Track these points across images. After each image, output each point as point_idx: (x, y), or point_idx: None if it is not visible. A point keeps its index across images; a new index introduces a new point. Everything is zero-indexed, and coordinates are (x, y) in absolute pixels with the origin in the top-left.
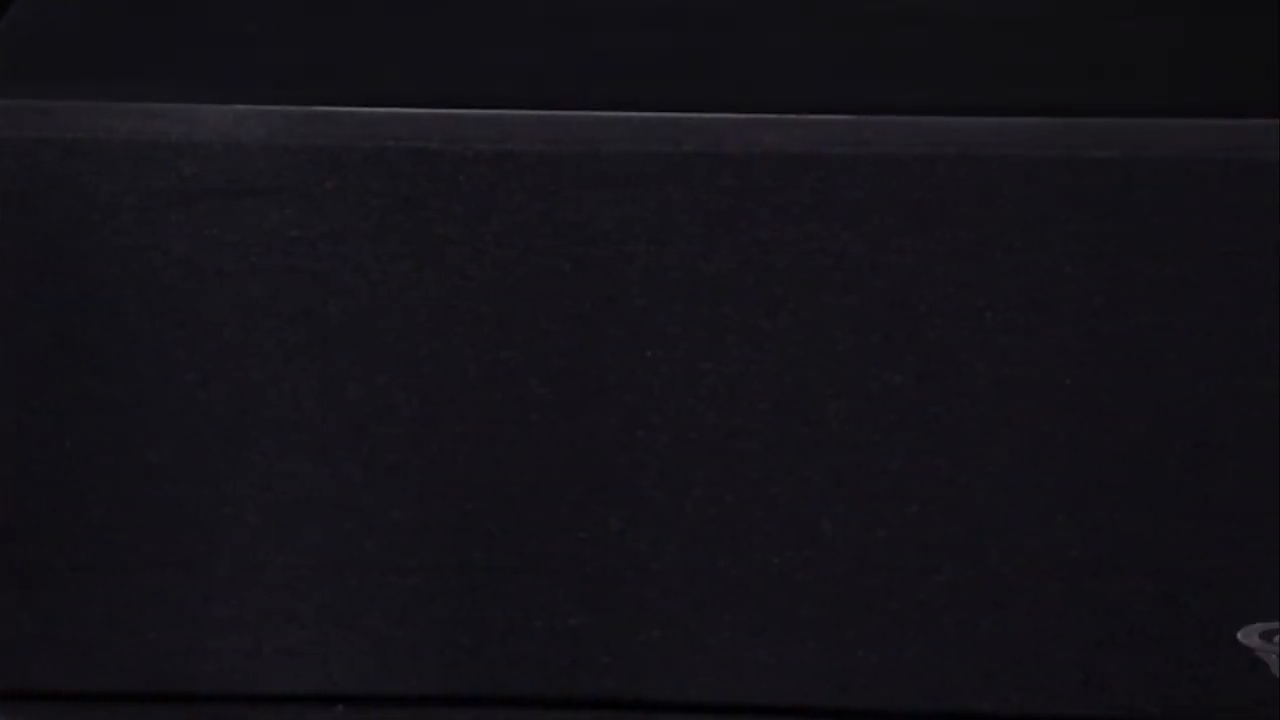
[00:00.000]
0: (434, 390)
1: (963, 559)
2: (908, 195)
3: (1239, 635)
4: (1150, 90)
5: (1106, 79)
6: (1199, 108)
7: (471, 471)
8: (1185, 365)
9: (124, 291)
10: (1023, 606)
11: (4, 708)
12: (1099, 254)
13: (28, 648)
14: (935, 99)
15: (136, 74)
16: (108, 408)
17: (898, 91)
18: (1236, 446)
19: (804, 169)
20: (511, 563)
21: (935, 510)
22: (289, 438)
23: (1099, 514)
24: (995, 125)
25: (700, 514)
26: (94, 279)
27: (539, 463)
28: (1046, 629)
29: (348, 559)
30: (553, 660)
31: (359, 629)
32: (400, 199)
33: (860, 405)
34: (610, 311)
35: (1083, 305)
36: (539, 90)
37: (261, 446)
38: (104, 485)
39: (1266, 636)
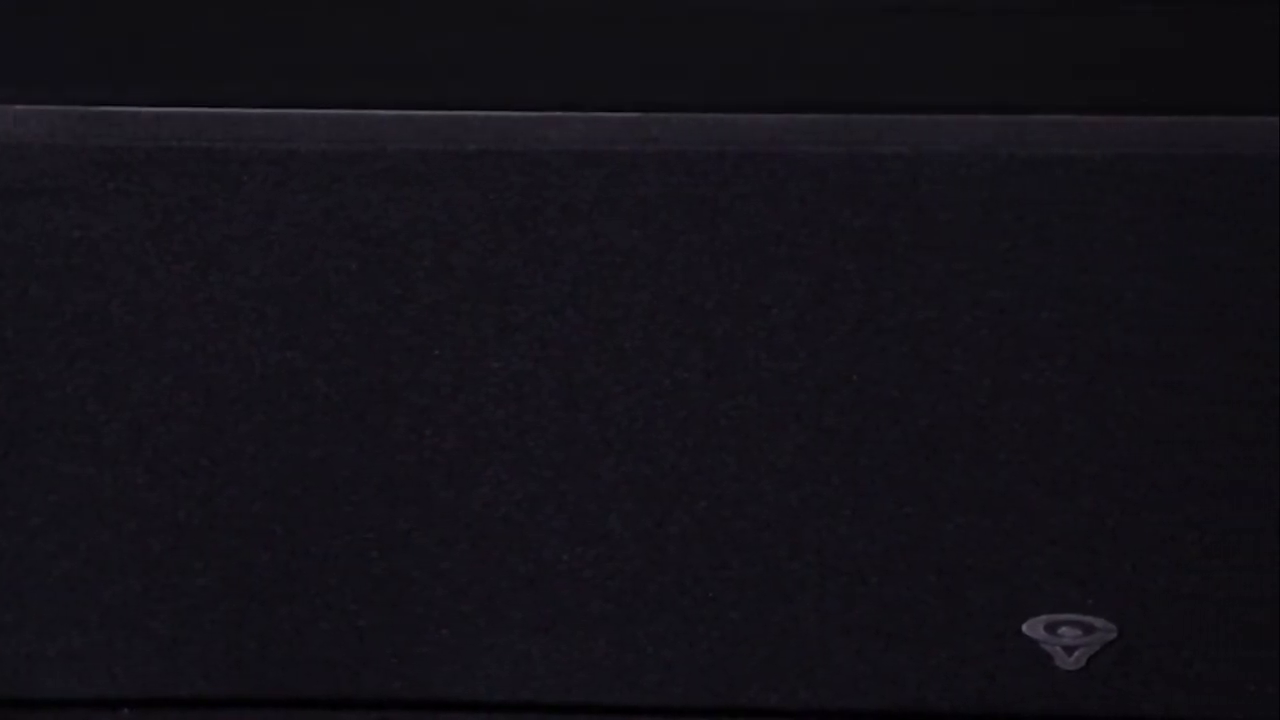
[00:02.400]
0: (219, 391)
1: (750, 555)
2: (694, 192)
3: (1024, 628)
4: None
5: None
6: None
7: (257, 472)
8: (966, 361)
9: None
10: (809, 602)
11: None
12: (881, 250)
13: None
14: (719, 96)
15: None
16: None
17: (682, 89)
18: (1019, 442)
19: (591, 166)
20: (299, 563)
21: (723, 507)
22: (72, 439)
23: (883, 509)
24: (780, 122)
25: (489, 512)
26: None
27: (325, 463)
28: (833, 624)
29: (132, 561)
30: (340, 660)
31: (144, 631)
32: (184, 199)
33: (648, 403)
34: (397, 311)
35: (867, 301)
36: (323, 89)
37: (44, 448)
38: None
39: (1051, 629)
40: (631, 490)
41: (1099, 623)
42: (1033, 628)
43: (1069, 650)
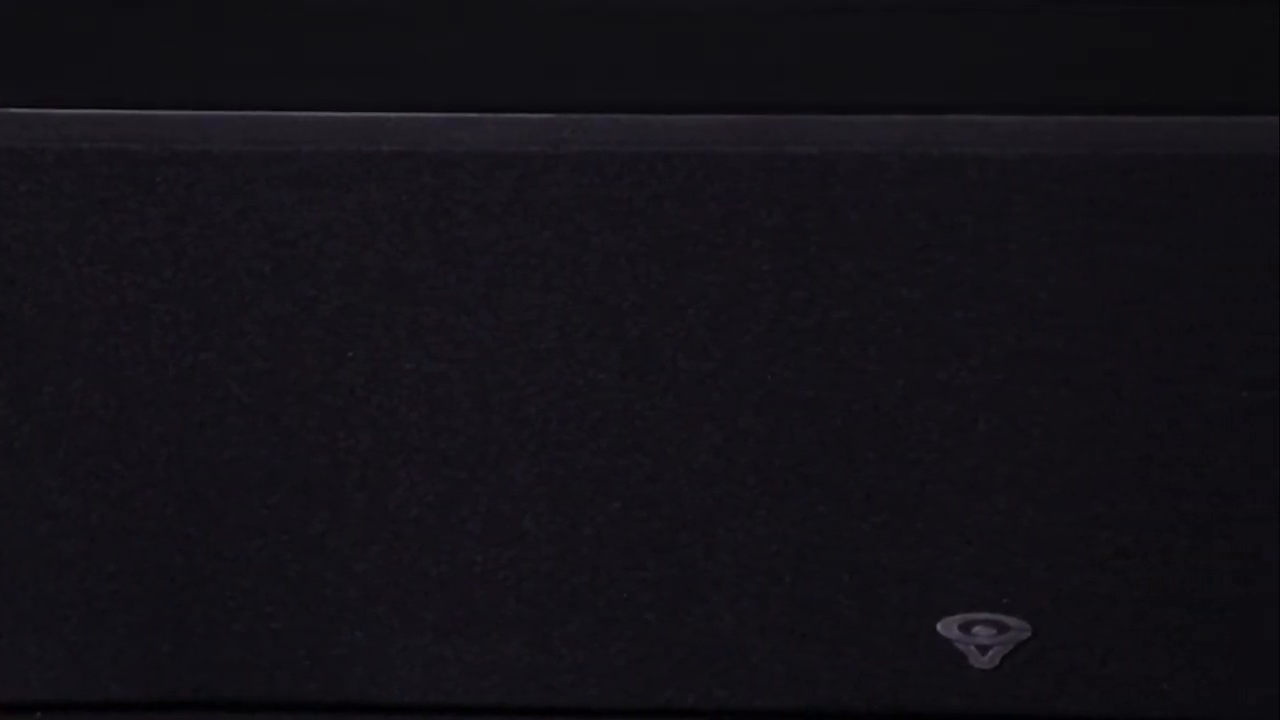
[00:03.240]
0: (131, 393)
1: (665, 555)
2: (607, 193)
3: (938, 627)
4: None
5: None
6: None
7: (170, 475)
8: (879, 361)
9: None
10: (724, 602)
11: None
12: (795, 250)
13: None
14: (632, 97)
15: None
16: None
17: (594, 90)
18: (933, 442)
19: (504, 167)
20: (212, 566)
21: (638, 507)
22: None
23: (797, 509)
24: (693, 123)
25: (402, 514)
26: None
27: (239, 465)
28: (748, 624)
29: (44, 564)
30: (254, 663)
31: (56, 635)
32: (95, 200)
33: (562, 403)
34: (310, 312)
35: (781, 301)
36: (236, 91)
37: None
38: None
39: (965, 628)
40: (546, 491)
41: (1013, 622)
42: (947, 627)
43: (983, 649)
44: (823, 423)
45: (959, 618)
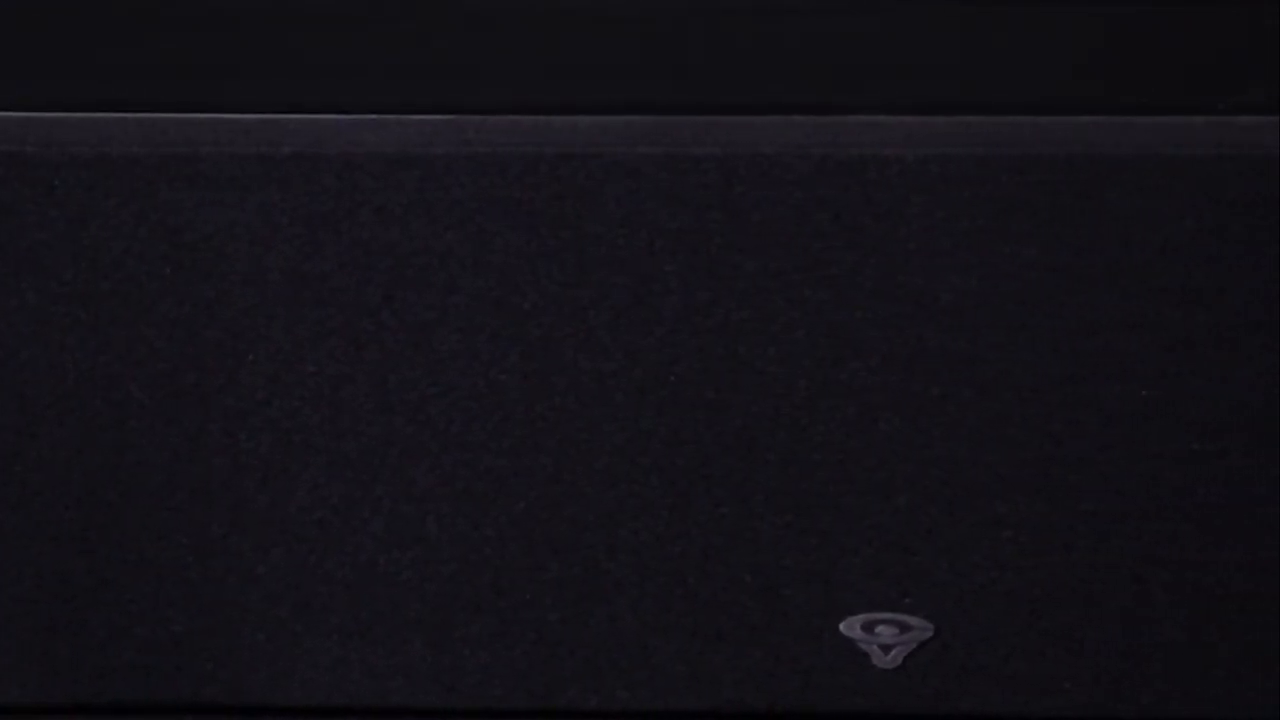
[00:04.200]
0: (31, 396)
1: (568, 556)
2: (509, 194)
3: (841, 627)
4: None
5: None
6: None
7: (70, 477)
8: (781, 361)
9: None
10: (626, 602)
11: None
12: (697, 251)
13: None
14: (534, 98)
15: None
16: None
17: (495, 90)
18: (834, 442)
19: (405, 169)
20: (112, 569)
21: (540, 508)
22: None
23: (700, 509)
24: (595, 124)
25: (304, 516)
26: None
27: (139, 468)
28: (651, 624)
29: None
30: (155, 666)
31: None
32: None
33: (464, 405)
34: (210, 315)
35: (683, 302)
36: (135, 92)
37: None
38: None
39: (868, 627)
40: (448, 493)
41: (915, 621)
42: (850, 627)
43: (886, 649)
44: (725, 423)
45: (862, 617)
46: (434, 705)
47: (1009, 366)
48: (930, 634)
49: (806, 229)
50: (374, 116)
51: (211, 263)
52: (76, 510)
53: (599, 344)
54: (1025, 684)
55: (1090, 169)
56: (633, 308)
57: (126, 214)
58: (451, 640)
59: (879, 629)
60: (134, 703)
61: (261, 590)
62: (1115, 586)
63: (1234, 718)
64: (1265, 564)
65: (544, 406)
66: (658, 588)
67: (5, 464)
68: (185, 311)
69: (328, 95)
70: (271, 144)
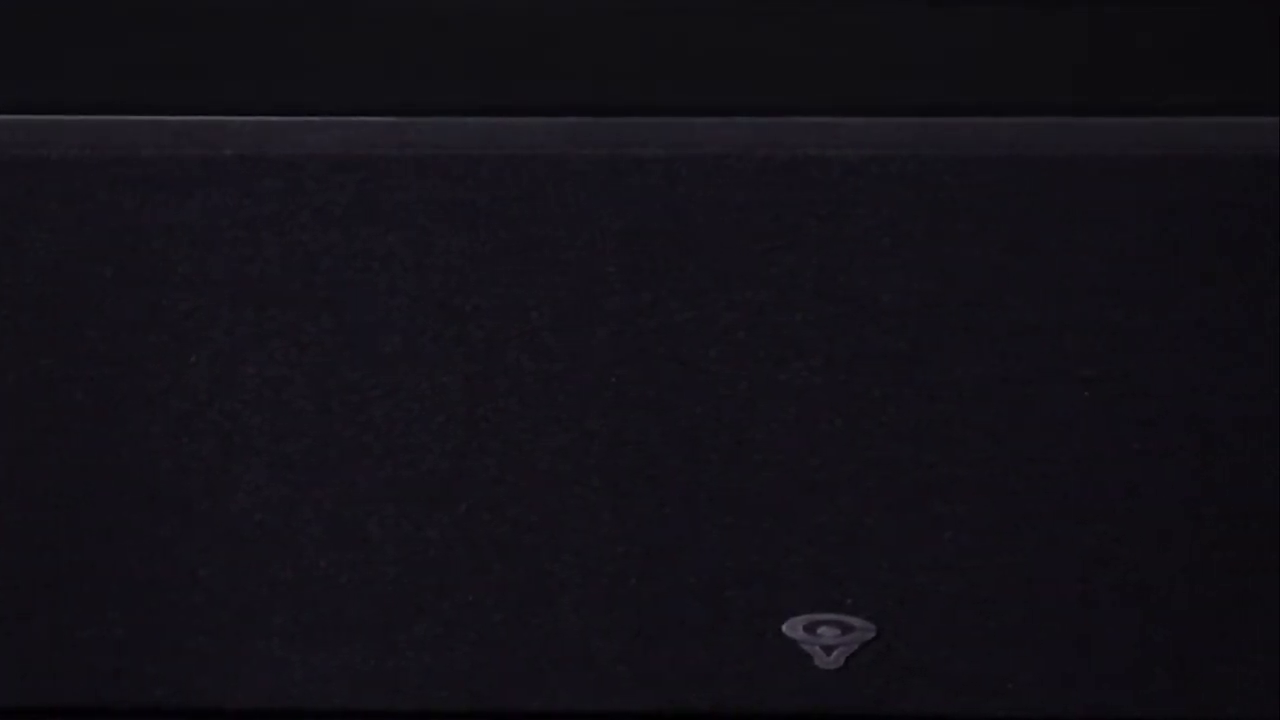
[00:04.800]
0: None
1: (510, 558)
2: (452, 195)
3: (783, 628)
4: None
5: (649, 79)
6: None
7: (14, 481)
8: (724, 361)
9: None
10: (569, 604)
11: None
12: (640, 252)
13: None
14: (477, 100)
15: None
16: None
17: (438, 92)
18: (775, 442)
19: (347, 170)
20: (56, 571)
21: (483, 510)
22: None
23: (643, 510)
24: (538, 125)
25: (246, 518)
26: None
27: (82, 471)
28: (594, 625)
29: None
30: (99, 669)
31: None
32: None
33: (407, 406)
34: (153, 317)
35: (627, 303)
36: (76, 94)
37: None
38: None
39: (810, 629)
40: (391, 494)
41: (857, 622)
42: (792, 628)
43: (828, 650)
44: (668, 424)
45: (804, 618)
46: (377, 707)
47: (951, 367)
48: (872, 635)
49: (749, 230)
50: (316, 118)
51: (153, 265)
52: (18, 513)
53: (542, 345)
54: (967, 684)
55: (1031, 170)
56: (576, 309)
57: (68, 217)
58: (394, 642)
59: (821, 630)
60: (77, 707)
61: (204, 593)
62: (1058, 586)
63: (1178, 716)
64: (1209, 564)
65: (487, 408)
66: (601, 589)
67: None
68: (127, 314)
69: (269, 97)
70: (213, 146)
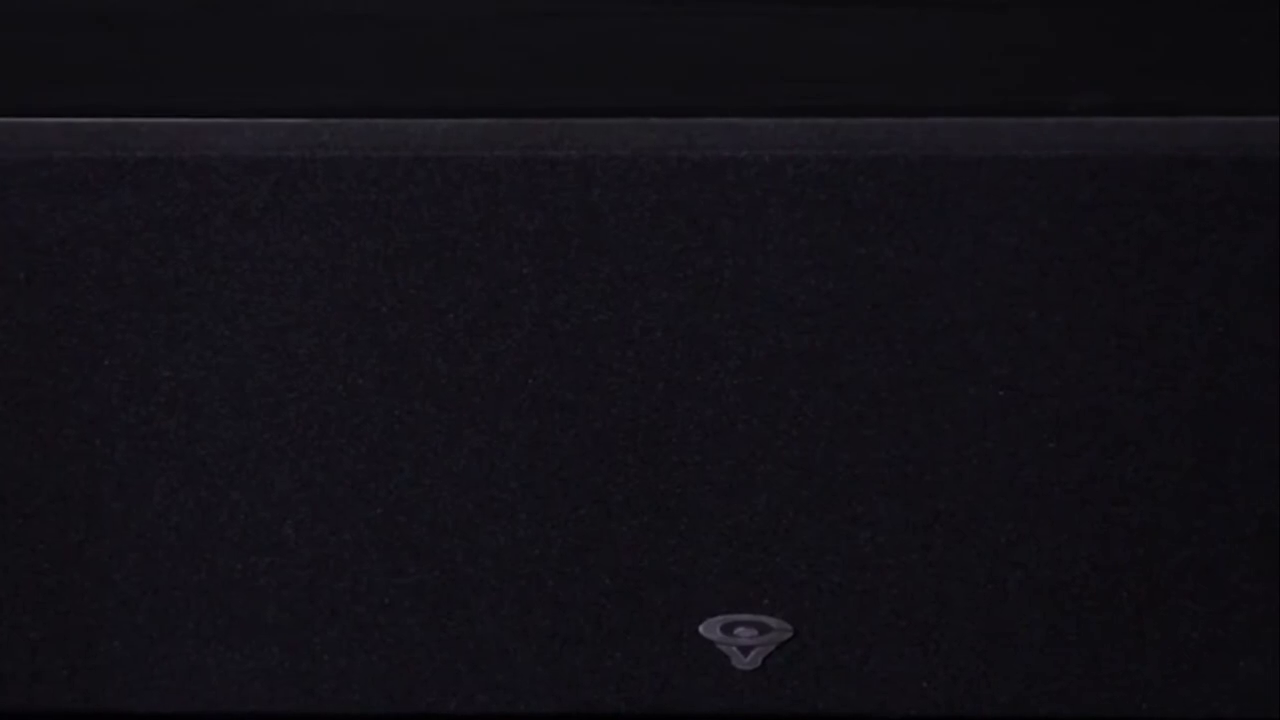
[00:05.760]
0: None
1: (426, 560)
2: (366, 197)
3: (700, 629)
4: (605, 91)
5: (562, 80)
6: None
7: None
8: (639, 363)
9: None
10: (486, 605)
11: None
12: (555, 253)
13: None
14: (390, 100)
15: None
16: None
17: (350, 93)
18: (692, 443)
19: (260, 172)
20: None
21: (398, 512)
22: None
23: (558, 511)
24: (451, 126)
25: (161, 522)
26: None
27: None
28: (510, 627)
29: None
30: (12, 673)
31: None
32: None
33: (322, 409)
34: (65, 320)
35: (542, 304)
36: None
37: None
38: None
39: (727, 629)
40: (305, 497)
41: (774, 622)
42: (709, 628)
43: (745, 650)
44: (583, 425)
45: (721, 619)
46: (292, 710)
47: (865, 367)
48: (789, 635)
49: (663, 231)
50: (228, 120)
51: (65, 268)
52: None
53: (457, 347)
54: (883, 684)
55: (944, 170)
56: (490, 311)
57: None
58: (309, 644)
59: (738, 630)
60: None
61: (118, 596)
62: (971, 586)
63: (1090, 715)
64: (1119, 562)
65: (401, 410)
66: (516, 590)
67: None
68: (39, 317)
69: (181, 99)
70: (125, 148)
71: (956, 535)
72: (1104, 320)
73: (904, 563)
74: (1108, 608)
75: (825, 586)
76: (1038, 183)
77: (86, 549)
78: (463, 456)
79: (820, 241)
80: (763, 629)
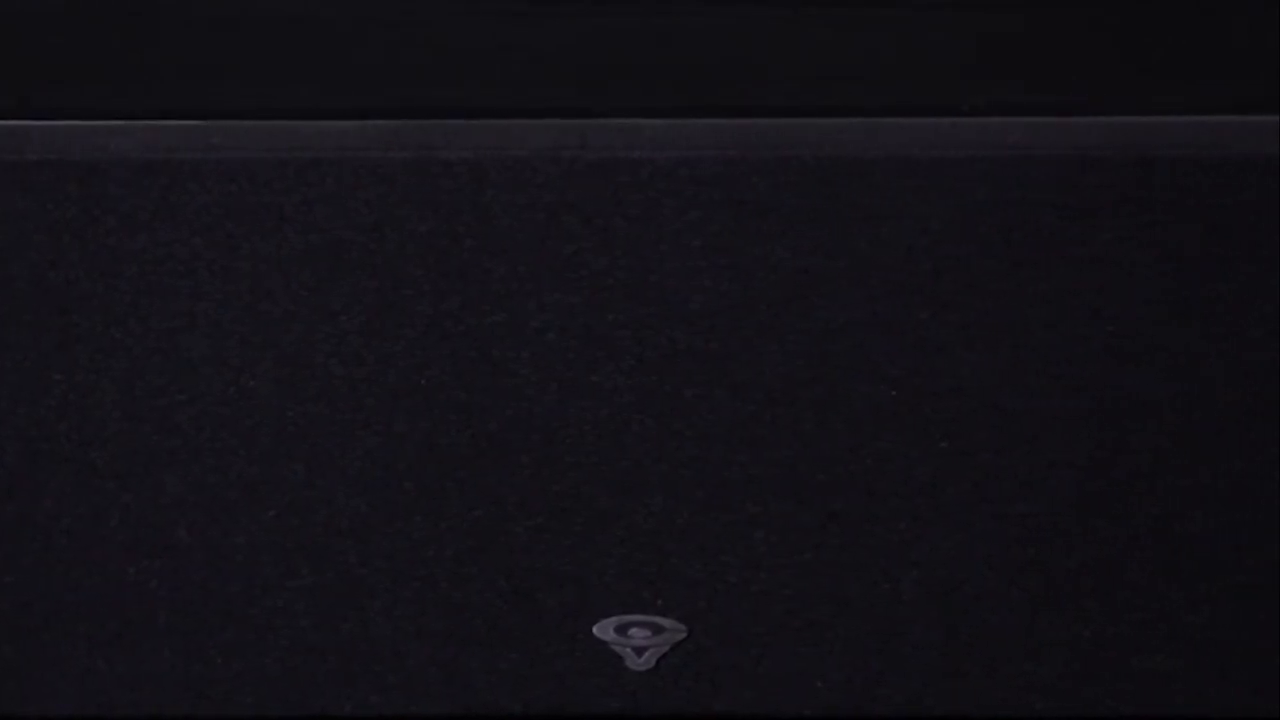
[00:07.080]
0: None
1: (320, 562)
2: (257, 199)
3: (594, 629)
4: (499, 92)
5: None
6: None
7: None
8: (533, 364)
9: None
10: (380, 607)
11: None
12: (448, 254)
13: None
14: (282, 101)
15: None
16: None
17: (242, 95)
18: (586, 443)
19: (151, 175)
20: None
21: (292, 514)
22: None
23: (452, 512)
24: (343, 128)
25: (52, 525)
26: None
27: None
28: (404, 629)
29: None
30: None
31: None
32: None
33: (215, 411)
34: None
35: (434, 306)
36: None
37: None
38: None
39: (621, 630)
40: (198, 500)
41: (668, 623)
42: (603, 629)
43: (639, 651)
44: (477, 427)
45: (615, 619)
46: (185, 713)
47: (760, 368)
48: (683, 635)
49: (557, 232)
50: (118, 122)
51: None
52: None
53: (350, 348)
54: (778, 683)
55: (838, 171)
56: (383, 312)
57: None
58: (202, 648)
59: (632, 631)
60: None
61: (8, 600)
62: (865, 585)
63: (984, 715)
64: (1012, 561)
65: (294, 412)
66: (410, 592)
67: None
68: None
69: (71, 101)
70: (15, 150)
71: (850, 535)
72: (997, 320)
73: (798, 563)
74: (1001, 606)
75: (719, 587)
76: (931, 183)
77: None
78: (356, 458)
79: (714, 242)
80: (657, 629)
